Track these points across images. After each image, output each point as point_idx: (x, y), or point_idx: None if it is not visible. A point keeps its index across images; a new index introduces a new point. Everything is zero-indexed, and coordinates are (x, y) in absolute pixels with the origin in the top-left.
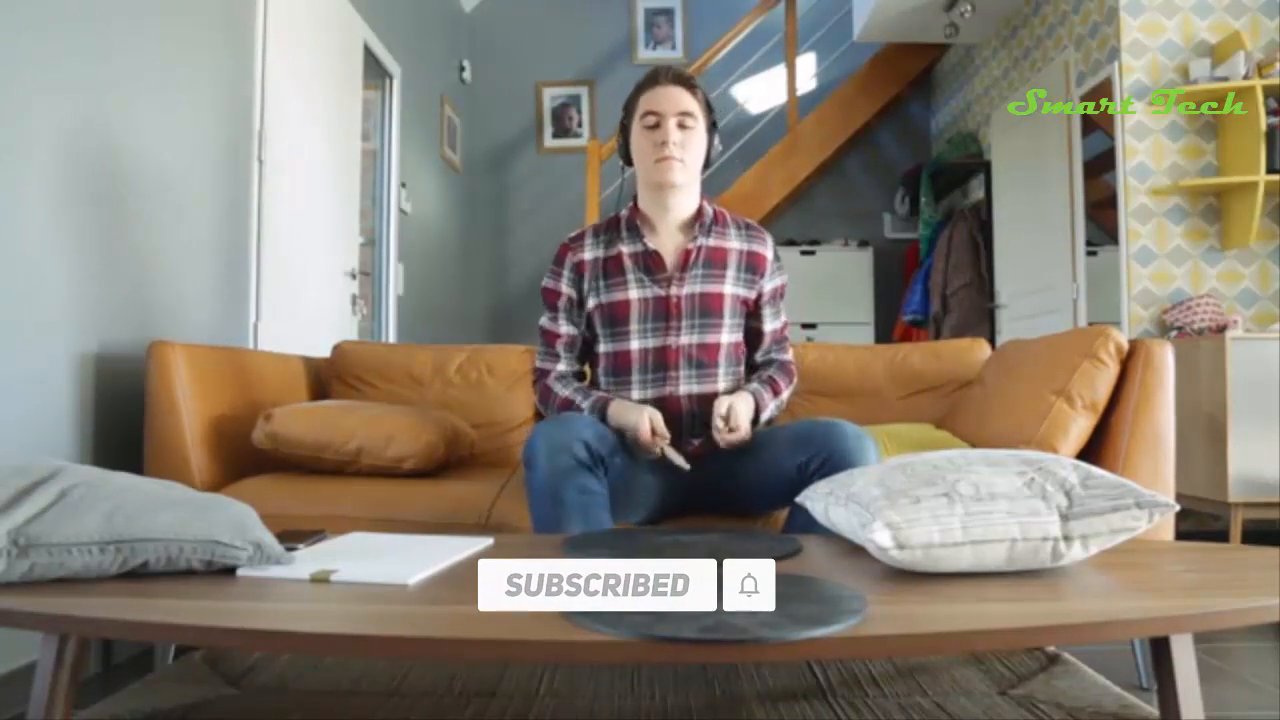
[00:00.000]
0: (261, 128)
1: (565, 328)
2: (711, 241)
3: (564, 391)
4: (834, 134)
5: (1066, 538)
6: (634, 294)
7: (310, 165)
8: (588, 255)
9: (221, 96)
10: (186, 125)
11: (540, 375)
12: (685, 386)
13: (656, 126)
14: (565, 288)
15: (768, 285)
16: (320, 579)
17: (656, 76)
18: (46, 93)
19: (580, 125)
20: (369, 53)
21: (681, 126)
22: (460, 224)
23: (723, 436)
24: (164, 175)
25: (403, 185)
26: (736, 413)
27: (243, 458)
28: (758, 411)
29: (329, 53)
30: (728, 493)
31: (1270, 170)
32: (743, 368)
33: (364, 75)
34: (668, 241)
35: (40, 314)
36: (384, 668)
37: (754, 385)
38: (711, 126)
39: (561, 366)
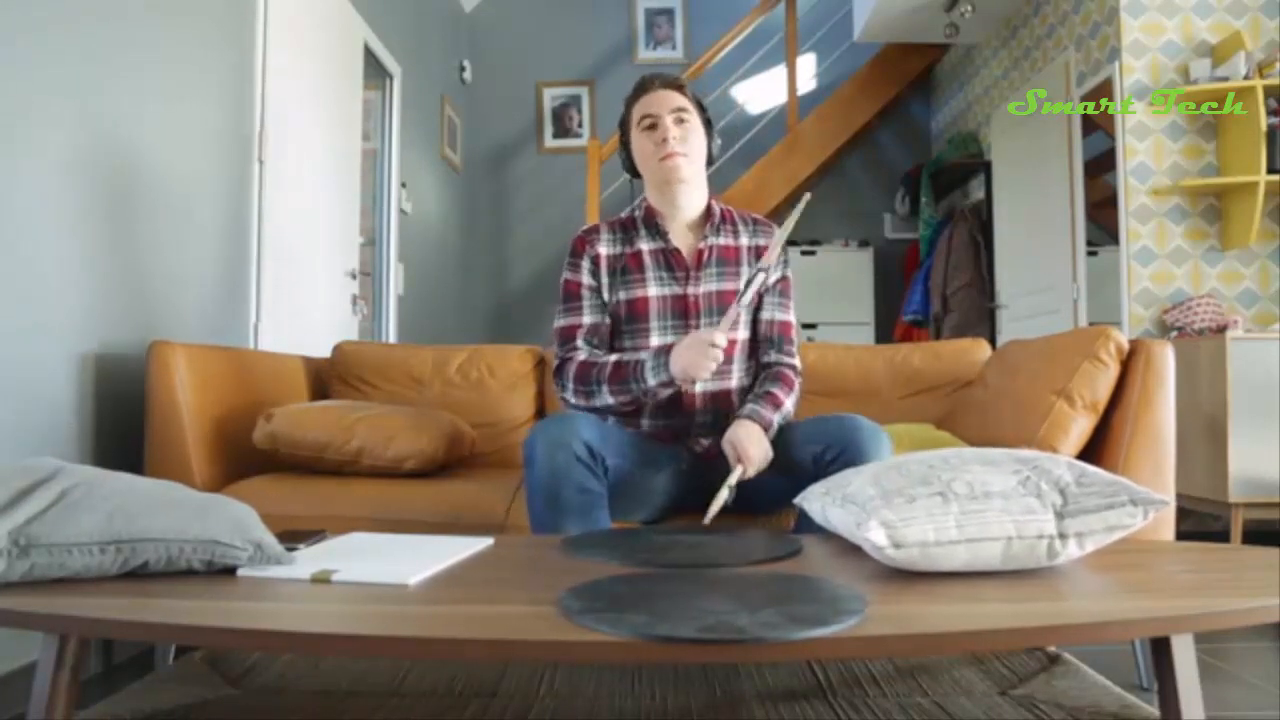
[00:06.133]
0: (261, 128)
1: (587, 317)
2: (722, 240)
3: (610, 358)
4: (834, 134)
5: (1062, 535)
6: (653, 291)
7: (310, 165)
8: (604, 250)
9: (222, 96)
10: (186, 125)
11: (564, 363)
12: (700, 386)
13: (654, 127)
14: (585, 278)
15: (771, 276)
16: (320, 579)
17: (645, 84)
18: (47, 93)
19: (580, 125)
20: (369, 53)
21: (679, 122)
22: (460, 224)
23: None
24: (164, 175)
25: (403, 185)
26: (749, 457)
27: (243, 458)
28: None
29: (329, 53)
30: (738, 490)
31: (1270, 170)
32: (754, 362)
33: (364, 75)
34: (681, 240)
35: (41, 314)
36: (384, 668)
37: (750, 407)
38: (707, 124)
39: (582, 357)
